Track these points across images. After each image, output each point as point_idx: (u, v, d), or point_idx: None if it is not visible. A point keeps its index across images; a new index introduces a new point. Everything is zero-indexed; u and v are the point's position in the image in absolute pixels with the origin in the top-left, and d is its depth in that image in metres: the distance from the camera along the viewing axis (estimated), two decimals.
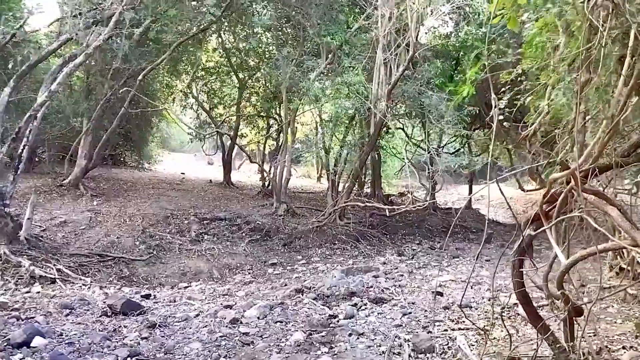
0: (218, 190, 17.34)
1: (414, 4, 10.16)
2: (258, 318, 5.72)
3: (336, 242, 11.86)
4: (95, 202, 13.03)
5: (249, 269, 10.20)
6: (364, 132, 12.17)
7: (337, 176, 13.47)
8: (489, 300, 6.22)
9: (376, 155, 16.27)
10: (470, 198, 18.00)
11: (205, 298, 7.24)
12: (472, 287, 6.97)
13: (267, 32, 14.88)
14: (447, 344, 4.40)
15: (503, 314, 4.98)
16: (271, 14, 11.93)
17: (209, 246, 11.01)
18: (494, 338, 4.39)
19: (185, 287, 8.97)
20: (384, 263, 10.07)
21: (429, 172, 13.61)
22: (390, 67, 10.81)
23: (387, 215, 10.57)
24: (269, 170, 16.14)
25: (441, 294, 6.47)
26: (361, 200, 11.45)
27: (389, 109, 10.44)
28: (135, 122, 21.97)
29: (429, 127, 10.97)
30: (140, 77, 12.47)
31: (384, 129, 13.48)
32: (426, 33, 11.63)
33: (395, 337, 4.69)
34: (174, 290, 8.66)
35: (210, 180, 19.49)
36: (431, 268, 9.54)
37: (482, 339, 4.37)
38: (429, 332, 4.85)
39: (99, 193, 14.01)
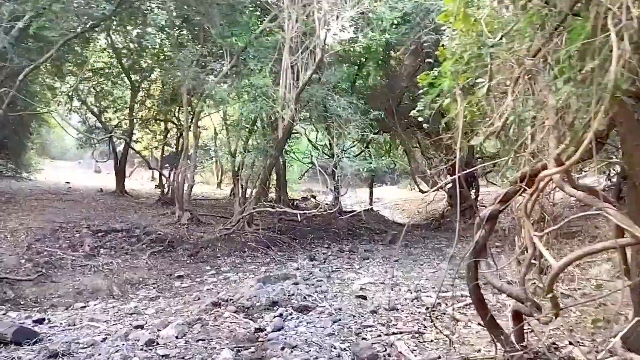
0: (111, 200, 16.02)
1: (320, 7, 10.15)
2: (176, 337, 5.22)
3: (246, 249, 11.46)
4: None
5: (153, 284, 9.45)
6: (270, 136, 11.92)
7: (245, 182, 13.07)
8: (412, 301, 6.30)
9: (281, 160, 16.10)
10: (371, 201, 18.51)
11: (110, 318, 6.52)
12: (392, 289, 7.03)
13: (161, 33, 14.08)
14: (386, 351, 4.31)
15: (432, 315, 5.02)
16: (168, 13, 11.25)
17: (106, 261, 10.05)
18: (431, 341, 4.39)
19: (83, 308, 8.07)
20: (298, 269, 9.89)
21: (334, 177, 13.73)
22: (298, 70, 10.70)
23: (299, 220, 10.41)
24: (169, 177, 15.23)
25: (365, 298, 6.42)
26: (271, 206, 11.18)
27: (297, 113, 10.31)
28: (12, 128, 19.75)
29: (334, 131, 11.01)
30: (20, 78, 11.08)
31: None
32: (332, 38, 11.70)
33: (331, 347, 4.51)
34: (71, 312, 7.74)
35: (101, 189, 17.99)
36: (344, 271, 9.55)
37: (420, 342, 4.34)
38: (363, 338, 4.74)
39: None
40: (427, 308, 5.70)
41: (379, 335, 4.84)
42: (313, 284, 7.55)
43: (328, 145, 12.56)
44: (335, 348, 4.51)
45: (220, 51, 12.34)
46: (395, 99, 14.52)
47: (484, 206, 17.86)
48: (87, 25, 12.25)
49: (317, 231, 13.52)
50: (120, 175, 17.34)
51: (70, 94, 17.45)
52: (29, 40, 12.71)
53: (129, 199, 16.68)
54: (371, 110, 11.11)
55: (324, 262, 10.60)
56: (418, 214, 21.12)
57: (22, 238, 10.39)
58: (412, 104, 16.90)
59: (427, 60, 15.60)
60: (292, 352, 4.54)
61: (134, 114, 16.20)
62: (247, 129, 12.42)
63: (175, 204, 12.91)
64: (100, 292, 8.99)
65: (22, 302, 8.09)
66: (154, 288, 9.23)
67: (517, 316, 3.46)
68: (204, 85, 11.54)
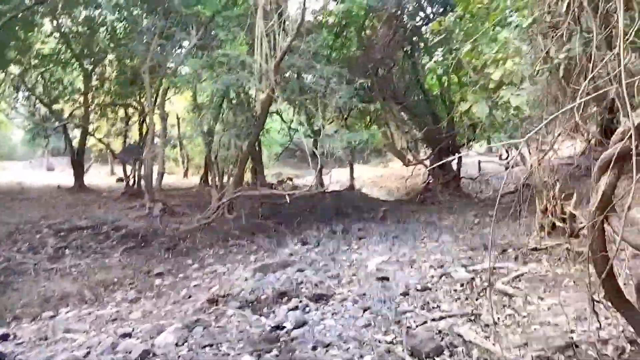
0: (71, 196, 14.62)
1: None
2: (177, 345, 4.28)
3: (229, 238, 10.47)
4: None
5: (130, 284, 8.37)
6: (247, 113, 10.89)
7: (221, 166, 12.01)
8: (441, 278, 5.54)
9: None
10: (352, 179, 17.75)
11: (89, 328, 5.51)
12: (411, 267, 6.27)
13: (114, 11, 12.71)
14: (445, 340, 3.50)
15: (485, 292, 4.25)
16: None
17: (73, 262, 8.89)
18: (495, 323, 3.61)
19: (53, 317, 6.98)
20: (291, 254, 9.00)
21: (316, 156, 12.88)
22: (275, 38, 9.67)
23: (288, 202, 9.49)
24: (134, 166, 13.97)
25: (387, 279, 5.62)
26: (255, 189, 10.20)
27: (278, 84, 9.31)
28: None
29: (318, 104, 10.07)
30: None
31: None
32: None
33: (375, 341, 3.67)
34: (40, 324, 6.64)
35: (59, 185, 16.48)
36: (345, 252, 8.73)
37: (483, 326, 3.56)
38: (409, 327, 3.92)
39: None
40: (463, 285, 4.95)
41: (425, 322, 4.04)
42: (320, 269, 6.68)
43: (305, 124, 11.55)
44: (380, 342, 3.67)
45: (184, 25, 11.14)
46: (373, 70, 13.70)
47: (469, 178, 17.45)
48: (28, 4, 10.86)
49: (303, 214, 12.61)
50: (79, 170, 15.90)
51: (16, 84, 15.76)
52: None
53: (90, 194, 15.30)
54: (356, 78, 10.25)
55: (318, 245, 9.74)
56: (398, 190, 20.55)
57: None
58: (388, 76, 16.24)
59: (402, 28, 14.92)
60: (327, 351, 3.69)
61: (89, 101, 14.74)
62: (220, 107, 11.29)
63: (145, 195, 11.72)
64: (71, 297, 7.85)
65: None
66: (132, 288, 8.15)
67: None
68: (169, 62, 10.37)
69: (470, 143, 15.75)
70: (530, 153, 12.13)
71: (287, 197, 9.32)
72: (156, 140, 11.37)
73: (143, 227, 10.77)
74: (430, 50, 13.65)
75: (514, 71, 7.25)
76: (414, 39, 14.87)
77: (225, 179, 12.06)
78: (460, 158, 16.04)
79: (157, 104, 11.06)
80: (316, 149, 13.13)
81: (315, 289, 5.55)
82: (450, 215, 12.29)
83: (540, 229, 6.82)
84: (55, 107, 15.79)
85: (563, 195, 6.39)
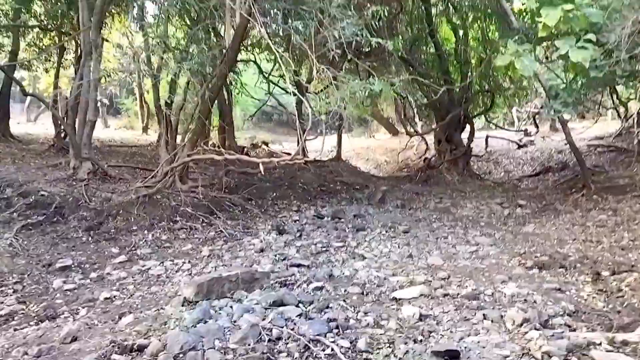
0: None
1: None
2: None
3: (177, 218, 7.61)
4: None
5: (15, 283, 5.50)
6: (214, 48, 7.87)
7: (176, 117, 9.02)
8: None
9: (225, 93, 12.06)
10: (340, 148, 14.98)
11: None
12: (471, 311, 3.58)
13: None
14: None
15: None
16: None
17: None
18: None
19: None
20: (262, 250, 6.27)
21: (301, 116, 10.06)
22: None
23: (261, 172, 6.67)
24: (65, 112, 10.85)
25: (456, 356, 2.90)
26: (217, 152, 7.30)
27: (255, 2, 6.34)
28: None
29: (310, 40, 7.12)
30: None
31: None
32: None
33: None
34: None
35: None
36: (340, 253, 6.04)
37: None
38: None
39: None
40: None
41: None
42: (311, 299, 3.89)
43: (288, 75, 8.48)
44: None
45: None
46: (374, 14, 10.70)
47: (474, 155, 14.83)
48: None
49: (279, 188, 9.80)
50: (2, 113, 12.63)
51: None
52: None
53: (13, 145, 12.10)
54: (367, 4, 7.35)
55: (300, 235, 7.03)
56: (387, 164, 17.90)
57: None
58: (392, 23, 13.20)
59: None
60: None
61: (18, 25, 11.36)
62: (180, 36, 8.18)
63: (70, 149, 8.74)
64: None
65: None
66: (13, 292, 5.29)
67: None
68: None
69: (489, 113, 13.10)
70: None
71: (260, 165, 6.48)
72: (91, 76, 8.27)
73: (61, 195, 7.83)
74: None
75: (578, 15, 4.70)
76: None
77: (180, 137, 9.08)
78: (472, 131, 13.39)
79: (90, 30, 7.91)
80: (300, 108, 10.30)
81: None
82: (467, 202, 9.69)
83: None
84: None
85: None
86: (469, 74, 12.14)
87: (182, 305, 4.00)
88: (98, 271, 5.84)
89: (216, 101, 10.11)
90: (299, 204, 9.07)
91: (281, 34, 8.47)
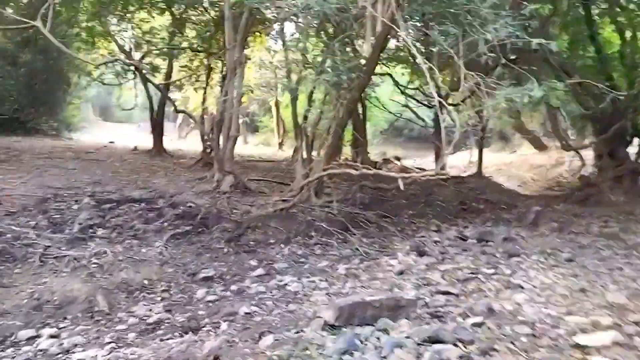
0: (142, 160, 12.60)
1: None
2: None
3: (312, 233, 7.48)
4: None
5: (163, 291, 5.69)
6: (352, 60, 7.69)
7: (312, 131, 9.01)
8: None
9: (360, 107, 11.89)
10: (481, 164, 13.99)
11: None
12: None
13: None
14: None
15: None
16: None
17: (99, 249, 6.40)
18: None
19: (30, 341, 4.50)
20: (401, 273, 5.80)
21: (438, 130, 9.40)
22: None
23: (402, 188, 6.24)
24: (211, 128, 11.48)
25: None
26: (353, 166, 7.05)
27: (399, 9, 6.00)
28: (43, 77, 16.85)
29: (457, 46, 6.54)
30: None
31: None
32: None
33: None
34: (6, 352, 4.22)
35: (135, 147, 14.65)
36: (490, 281, 5.35)
37: None
38: None
39: None
40: None
41: None
42: (474, 342, 3.32)
43: (434, 88, 7.87)
44: None
45: None
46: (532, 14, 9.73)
47: None
48: None
49: (415, 205, 9.29)
50: (158, 130, 13.88)
51: (113, 32, 13.91)
52: None
53: (166, 160, 13.21)
54: (525, 2, 6.59)
55: (442, 258, 6.43)
56: (534, 181, 16.36)
57: None
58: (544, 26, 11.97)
59: None
60: None
61: (172, 47, 12.42)
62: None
63: (214, 163, 9.13)
64: (75, 305, 5.28)
65: None
66: (162, 300, 5.47)
67: None
68: None
69: None
70: None
71: (399, 181, 6.06)
72: (235, 93, 8.63)
73: (205, 206, 8.18)
74: None
75: None
76: None
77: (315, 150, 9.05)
78: None
79: (234, 44, 8.24)
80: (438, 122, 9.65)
81: None
82: (634, 225, 8.28)
83: None
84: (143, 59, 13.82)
85: None
86: (639, 80, 10.54)
87: (323, 330, 3.71)
88: (238, 283, 5.85)
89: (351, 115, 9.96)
90: (439, 223, 8.45)
91: (419, 40, 8.06)
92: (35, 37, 14.66)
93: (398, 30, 6.13)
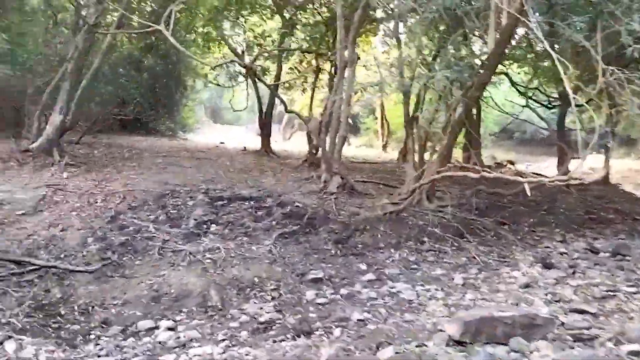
0: (251, 160, 12.94)
1: None
2: None
3: (425, 238, 7.09)
4: (66, 173, 8.99)
5: (272, 290, 5.66)
6: (471, 57, 7.18)
7: (424, 132, 8.59)
8: None
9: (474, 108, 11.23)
10: (607, 171, 12.62)
11: None
12: None
13: None
14: None
15: None
16: None
17: (212, 245, 6.56)
18: None
19: (149, 331, 4.69)
20: (527, 286, 5.25)
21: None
22: None
23: (529, 195, 5.68)
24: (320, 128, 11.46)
25: None
26: (472, 169, 6.56)
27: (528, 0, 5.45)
28: (163, 81, 18.08)
29: (591, 39, 5.81)
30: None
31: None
32: None
33: None
34: (128, 342, 4.42)
35: (245, 147, 15.14)
36: (630, 298, 4.66)
37: None
38: None
39: (79, 162, 9.97)
40: None
41: None
42: None
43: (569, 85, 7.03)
44: None
45: None
46: None
47: None
48: None
49: (536, 213, 8.50)
50: (266, 131, 14.22)
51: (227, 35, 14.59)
52: None
53: (273, 160, 13.47)
54: None
55: (573, 272, 5.75)
56: None
57: (113, 205, 7.51)
58: None
59: None
60: None
61: (283, 49, 12.65)
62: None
63: (322, 164, 9.07)
64: (190, 299, 5.46)
65: (62, 313, 4.93)
66: (272, 298, 5.45)
67: None
68: None
69: None
70: None
71: (526, 186, 5.51)
72: (343, 94, 8.51)
73: (312, 206, 8.10)
74: None
75: None
76: None
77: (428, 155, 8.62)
78: None
79: (345, 43, 8.12)
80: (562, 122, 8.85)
81: None
82: None
83: None
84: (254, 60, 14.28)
85: None
86: None
87: (447, 345, 3.38)
88: (348, 287, 5.67)
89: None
90: (564, 234, 7.66)
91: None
92: (157, 43, 15.73)
93: (528, 21, 5.57)
